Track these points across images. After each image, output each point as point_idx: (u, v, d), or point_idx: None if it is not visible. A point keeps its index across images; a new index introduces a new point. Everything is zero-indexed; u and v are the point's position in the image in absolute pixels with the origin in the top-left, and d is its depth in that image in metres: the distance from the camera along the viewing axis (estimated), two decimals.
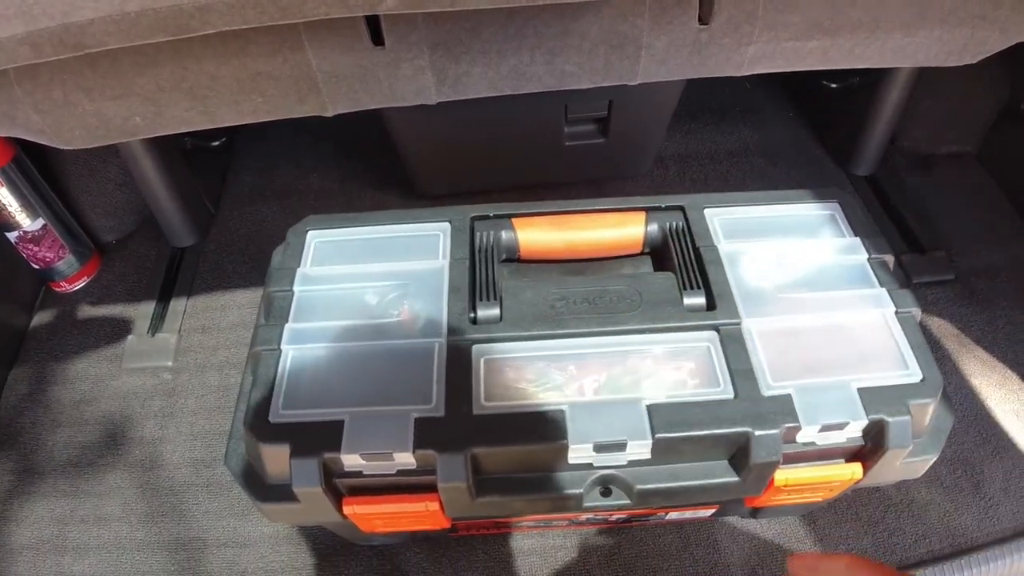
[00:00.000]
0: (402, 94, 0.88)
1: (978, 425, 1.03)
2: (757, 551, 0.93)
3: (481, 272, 0.74)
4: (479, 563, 0.93)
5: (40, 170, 1.21)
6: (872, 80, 1.23)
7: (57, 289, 1.29)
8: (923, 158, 1.39)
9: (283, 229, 0.86)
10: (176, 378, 1.15)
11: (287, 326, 0.71)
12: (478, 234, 0.78)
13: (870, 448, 0.66)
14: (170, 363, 1.16)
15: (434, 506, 0.64)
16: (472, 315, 0.71)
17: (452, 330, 0.69)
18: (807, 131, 1.41)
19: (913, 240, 1.26)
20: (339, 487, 0.66)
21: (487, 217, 0.79)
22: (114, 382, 1.15)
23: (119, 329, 1.22)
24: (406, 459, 0.62)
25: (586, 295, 0.71)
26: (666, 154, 1.35)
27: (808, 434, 0.64)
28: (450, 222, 0.79)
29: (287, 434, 0.64)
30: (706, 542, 0.93)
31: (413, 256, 0.76)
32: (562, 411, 0.63)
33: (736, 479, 0.65)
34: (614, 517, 0.86)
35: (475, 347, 0.68)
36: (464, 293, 0.72)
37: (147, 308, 1.24)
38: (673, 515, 0.87)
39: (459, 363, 0.67)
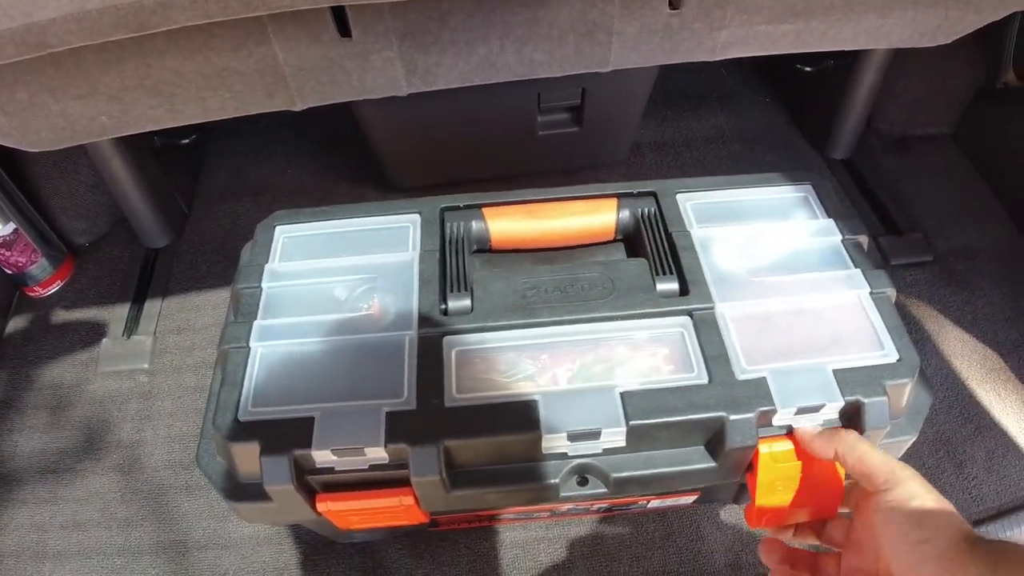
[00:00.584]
0: (372, 86, 0.87)
1: (959, 405, 1.03)
2: (740, 538, 0.92)
3: (452, 263, 0.73)
4: (461, 557, 0.92)
5: (9, 173, 1.19)
6: (847, 63, 1.23)
7: (31, 294, 1.27)
8: (899, 140, 1.39)
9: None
10: (152, 380, 1.14)
11: (255, 323, 0.70)
12: (448, 225, 0.77)
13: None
14: (146, 365, 1.15)
15: (409, 500, 0.64)
16: (443, 307, 0.70)
17: (423, 322, 0.68)
18: (783, 116, 1.41)
19: (891, 222, 1.26)
20: (312, 484, 0.65)
21: (457, 208, 0.79)
22: (90, 386, 1.14)
23: (94, 333, 1.21)
24: (378, 454, 0.61)
25: (558, 283, 0.70)
26: (642, 142, 1.34)
27: (784, 417, 0.64)
28: (420, 213, 0.78)
29: (257, 432, 0.63)
30: (689, 530, 0.93)
31: (383, 249, 0.75)
32: (535, 401, 0.63)
33: (713, 464, 0.65)
34: (596, 507, 0.85)
35: (446, 339, 0.67)
36: (435, 285, 0.71)
37: (122, 311, 1.22)
38: (655, 503, 0.86)
39: (430, 355, 0.66)
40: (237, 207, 1.35)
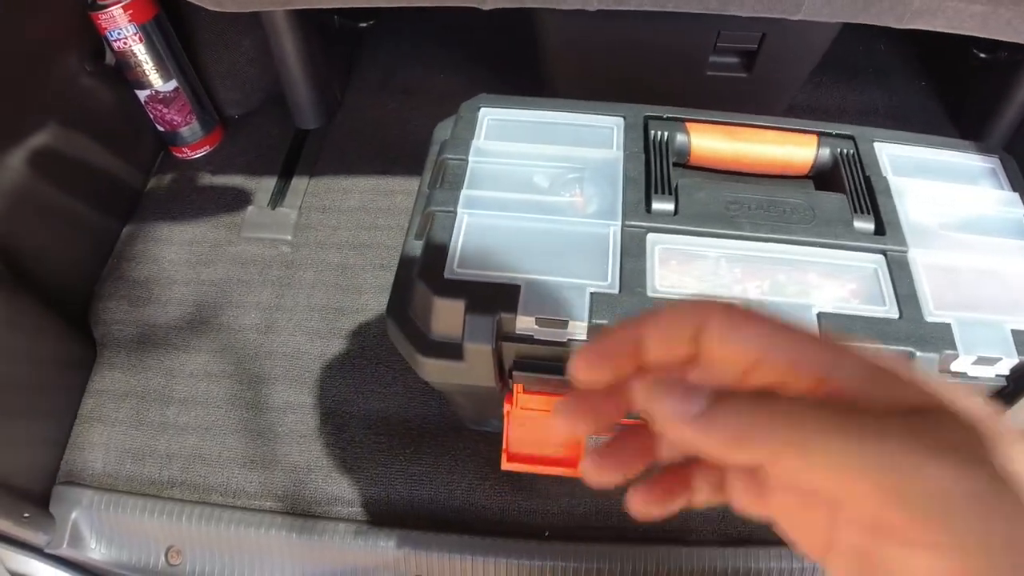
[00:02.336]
0: None
1: None
2: None
3: (656, 167, 0.75)
4: None
5: (178, 34, 1.22)
6: (1017, 59, 1.21)
7: (178, 154, 1.31)
8: None
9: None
10: (295, 252, 1.17)
11: (463, 191, 0.72)
12: (652, 132, 0.78)
13: (1011, 390, 0.67)
14: (289, 237, 1.18)
15: None
16: (646, 206, 0.72)
17: (627, 216, 0.70)
18: (936, 103, 1.39)
19: None
20: (504, 353, 0.68)
21: (660, 118, 0.80)
22: (232, 248, 1.18)
23: (239, 199, 1.24)
24: (580, 329, 0.64)
25: (760, 203, 0.72)
26: (796, 103, 1.34)
27: (963, 364, 0.66)
28: (624, 118, 0.80)
29: (463, 291, 0.65)
30: None
31: (586, 144, 0.77)
32: None
33: None
34: None
35: (650, 235, 0.69)
36: (640, 184, 0.73)
37: (268, 183, 1.25)
38: None
39: (634, 248, 0.68)
40: (388, 103, 1.36)
